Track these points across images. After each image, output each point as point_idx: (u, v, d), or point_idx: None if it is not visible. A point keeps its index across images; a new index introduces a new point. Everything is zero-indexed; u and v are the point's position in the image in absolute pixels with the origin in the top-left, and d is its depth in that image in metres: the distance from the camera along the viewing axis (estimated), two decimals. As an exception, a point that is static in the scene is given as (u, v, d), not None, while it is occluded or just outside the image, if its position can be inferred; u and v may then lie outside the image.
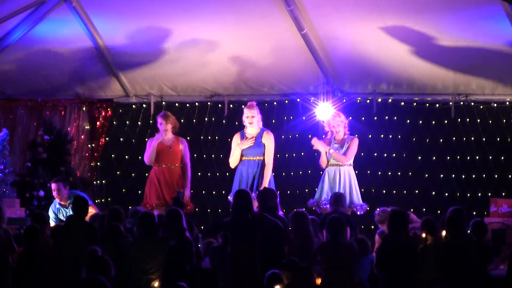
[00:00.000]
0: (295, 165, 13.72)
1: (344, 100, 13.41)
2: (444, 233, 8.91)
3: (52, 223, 11.11)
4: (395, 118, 13.51)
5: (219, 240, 9.44)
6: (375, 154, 13.54)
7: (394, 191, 13.48)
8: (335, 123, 11.76)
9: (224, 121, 14.08)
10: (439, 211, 12.43)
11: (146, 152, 11.74)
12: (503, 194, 12.91)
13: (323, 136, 12.12)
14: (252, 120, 11.42)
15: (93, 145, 14.29)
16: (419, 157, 13.46)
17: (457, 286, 8.36)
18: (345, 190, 11.41)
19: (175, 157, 11.67)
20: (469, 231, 9.00)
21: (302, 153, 13.59)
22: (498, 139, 13.29)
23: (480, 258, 8.60)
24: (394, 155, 13.48)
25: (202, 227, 12.57)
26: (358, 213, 11.48)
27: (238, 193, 9.16)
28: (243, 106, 11.72)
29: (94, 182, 14.22)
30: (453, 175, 13.40)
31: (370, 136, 13.56)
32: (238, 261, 8.73)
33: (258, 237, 8.70)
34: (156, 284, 8.66)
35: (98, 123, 14.30)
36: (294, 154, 13.69)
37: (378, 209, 11.03)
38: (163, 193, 11.52)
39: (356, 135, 12.12)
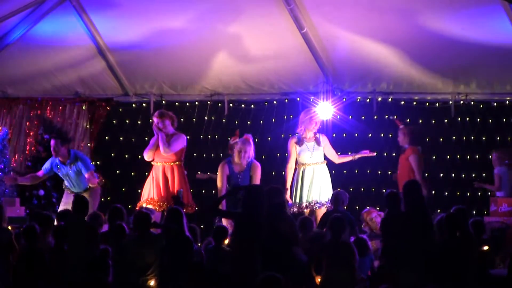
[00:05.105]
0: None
1: (344, 99, 13.41)
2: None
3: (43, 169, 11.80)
4: (395, 117, 13.51)
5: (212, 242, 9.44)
6: (375, 153, 13.52)
7: (394, 190, 13.44)
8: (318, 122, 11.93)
9: (224, 120, 14.08)
10: (439, 210, 12.41)
11: (146, 148, 11.75)
12: (503, 193, 12.92)
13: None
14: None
15: (93, 144, 14.28)
16: (419, 156, 13.46)
17: (454, 286, 8.38)
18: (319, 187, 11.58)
19: (171, 154, 11.57)
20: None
21: (302, 152, 13.58)
22: (498, 138, 13.32)
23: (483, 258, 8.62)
24: (394, 154, 13.48)
25: (202, 226, 12.55)
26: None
27: (251, 189, 9.03)
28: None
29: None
30: (453, 174, 13.43)
31: (370, 135, 13.59)
32: (239, 257, 8.61)
33: (262, 234, 8.55)
34: (152, 283, 8.67)
35: (98, 122, 14.29)
36: (293, 153, 13.68)
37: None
38: (161, 191, 11.49)
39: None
